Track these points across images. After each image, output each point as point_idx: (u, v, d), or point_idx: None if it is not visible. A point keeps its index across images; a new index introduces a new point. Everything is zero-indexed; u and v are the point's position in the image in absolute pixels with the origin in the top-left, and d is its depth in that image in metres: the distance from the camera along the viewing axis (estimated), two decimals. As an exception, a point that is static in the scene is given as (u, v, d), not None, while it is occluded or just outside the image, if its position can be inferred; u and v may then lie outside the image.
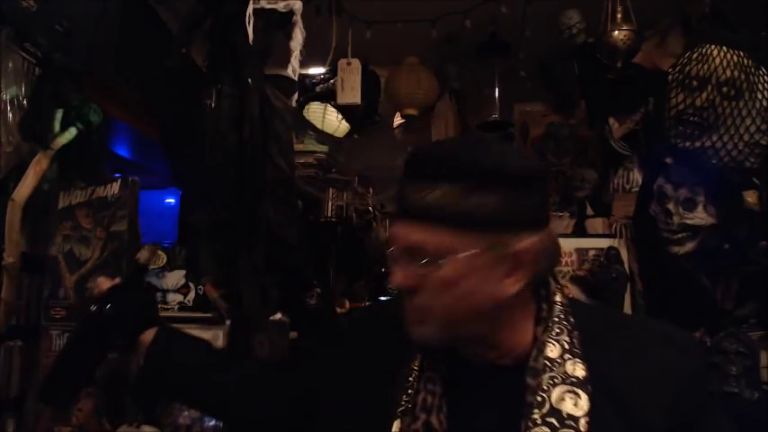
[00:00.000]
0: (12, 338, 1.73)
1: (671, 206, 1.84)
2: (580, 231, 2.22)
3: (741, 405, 1.66)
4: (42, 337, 1.72)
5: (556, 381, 0.82)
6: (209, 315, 1.67)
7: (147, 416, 1.55)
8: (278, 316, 1.65)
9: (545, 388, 0.82)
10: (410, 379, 0.88)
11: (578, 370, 0.83)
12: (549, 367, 0.83)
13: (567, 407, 0.81)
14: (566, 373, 0.83)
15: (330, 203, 3.43)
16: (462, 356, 0.89)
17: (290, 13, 1.70)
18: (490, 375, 0.87)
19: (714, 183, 1.77)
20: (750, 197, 1.75)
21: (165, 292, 1.71)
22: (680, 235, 1.82)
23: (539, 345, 0.85)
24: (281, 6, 1.68)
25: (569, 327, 0.87)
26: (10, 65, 1.78)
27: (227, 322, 1.65)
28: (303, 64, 1.84)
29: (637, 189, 2.13)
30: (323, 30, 2.26)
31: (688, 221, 1.80)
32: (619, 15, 2.02)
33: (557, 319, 0.87)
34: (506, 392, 0.84)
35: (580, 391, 0.81)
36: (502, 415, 0.83)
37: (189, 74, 1.71)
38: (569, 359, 0.84)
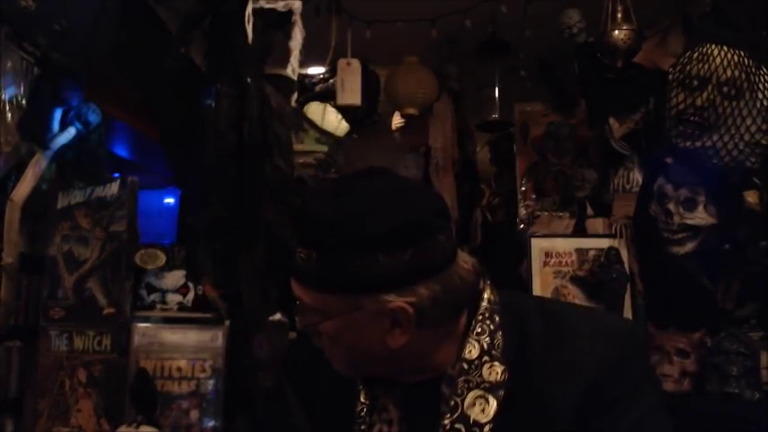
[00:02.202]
0: (11, 339, 1.73)
1: (671, 206, 1.83)
2: (580, 231, 2.22)
3: (741, 405, 1.66)
4: (41, 337, 1.72)
5: (471, 385, 0.81)
6: (208, 315, 1.67)
7: (147, 416, 1.54)
8: (278, 316, 1.65)
9: (459, 392, 0.81)
10: (362, 414, 0.87)
11: (494, 374, 0.81)
12: (466, 371, 0.82)
13: (475, 412, 0.79)
14: (481, 376, 0.81)
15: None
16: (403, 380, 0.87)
17: (290, 12, 1.70)
18: (427, 390, 0.85)
19: (714, 183, 1.77)
20: (750, 197, 1.75)
21: (164, 292, 1.70)
22: (680, 235, 1.82)
23: (459, 348, 0.83)
24: (280, 6, 1.68)
25: (493, 326, 0.84)
26: (9, 64, 1.77)
27: (227, 322, 1.64)
28: (303, 64, 1.84)
29: (637, 189, 2.13)
30: (322, 30, 2.26)
31: (688, 221, 1.80)
32: (619, 15, 2.02)
33: (480, 318, 0.84)
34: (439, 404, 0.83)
35: (490, 397, 0.80)
36: (434, 428, 0.81)
37: (188, 74, 1.71)
38: (487, 361, 0.82)
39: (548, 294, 2.06)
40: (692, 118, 1.73)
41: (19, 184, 1.77)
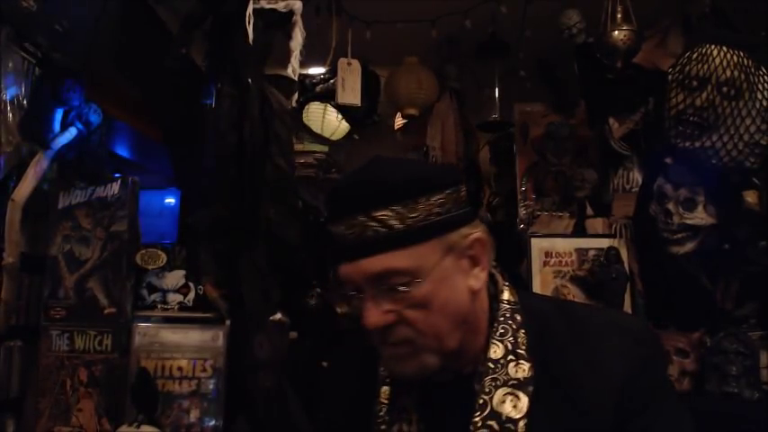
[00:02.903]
0: (12, 338, 1.73)
1: (671, 206, 1.84)
2: (580, 231, 2.22)
3: (741, 405, 1.67)
4: (42, 337, 1.72)
5: (498, 383, 0.83)
6: (209, 315, 1.67)
7: (148, 416, 1.55)
8: (278, 316, 1.65)
9: (487, 391, 0.82)
10: (381, 414, 0.88)
11: (520, 371, 0.83)
12: (492, 369, 0.83)
13: (507, 409, 0.81)
14: (507, 374, 0.83)
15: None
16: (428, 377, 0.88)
17: (290, 13, 1.70)
18: (455, 388, 0.87)
19: (714, 183, 1.77)
20: (750, 197, 1.75)
21: (165, 292, 1.70)
22: (680, 235, 1.82)
23: (484, 348, 0.86)
24: (281, 6, 1.68)
25: (515, 326, 0.87)
26: (10, 65, 1.78)
27: (227, 322, 1.64)
28: (303, 64, 1.84)
29: (637, 189, 2.13)
30: (323, 30, 2.26)
31: (688, 221, 1.81)
32: (619, 15, 2.02)
33: (502, 319, 0.87)
34: (465, 403, 0.84)
35: (520, 393, 0.81)
36: (461, 426, 0.82)
37: (189, 74, 1.71)
38: (512, 360, 0.84)
39: (547, 294, 2.07)
40: (691, 118, 1.73)
41: (20, 185, 1.77)
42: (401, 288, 0.80)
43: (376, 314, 0.81)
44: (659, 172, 1.89)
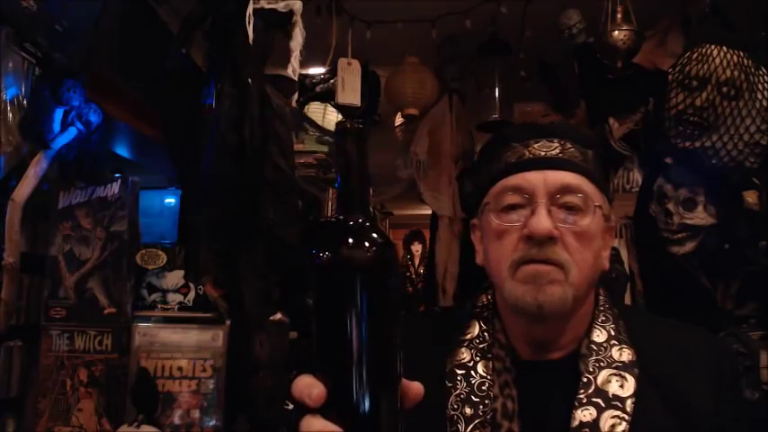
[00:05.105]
0: (12, 338, 1.73)
1: (671, 206, 1.83)
2: (580, 231, 2.21)
3: (741, 405, 1.66)
4: (42, 336, 1.72)
5: (601, 364, 0.83)
6: (209, 315, 1.67)
7: (148, 416, 1.55)
8: (278, 316, 1.65)
9: (591, 370, 0.83)
10: (483, 388, 0.86)
11: (625, 355, 0.84)
12: (596, 351, 0.85)
13: (613, 388, 0.81)
14: (611, 357, 0.84)
15: (330, 203, 3.42)
16: (521, 354, 0.90)
17: (290, 13, 1.70)
18: (551, 371, 0.87)
19: (714, 183, 1.77)
20: (750, 197, 1.75)
21: (164, 292, 1.70)
22: (680, 235, 1.82)
23: (587, 332, 0.87)
24: (281, 6, 1.68)
25: (613, 316, 0.89)
26: (10, 65, 1.78)
27: (227, 322, 1.64)
28: (303, 64, 1.84)
29: (637, 189, 2.13)
30: (323, 30, 2.26)
31: (688, 221, 1.80)
32: (619, 15, 2.02)
33: (602, 309, 0.90)
34: (564, 385, 0.84)
35: (626, 374, 0.82)
36: (562, 407, 0.83)
37: (189, 74, 1.71)
38: (615, 345, 0.85)
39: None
40: (691, 118, 1.73)
41: (20, 185, 1.77)
42: (574, 209, 0.83)
43: (548, 220, 0.82)
44: (659, 172, 1.88)
